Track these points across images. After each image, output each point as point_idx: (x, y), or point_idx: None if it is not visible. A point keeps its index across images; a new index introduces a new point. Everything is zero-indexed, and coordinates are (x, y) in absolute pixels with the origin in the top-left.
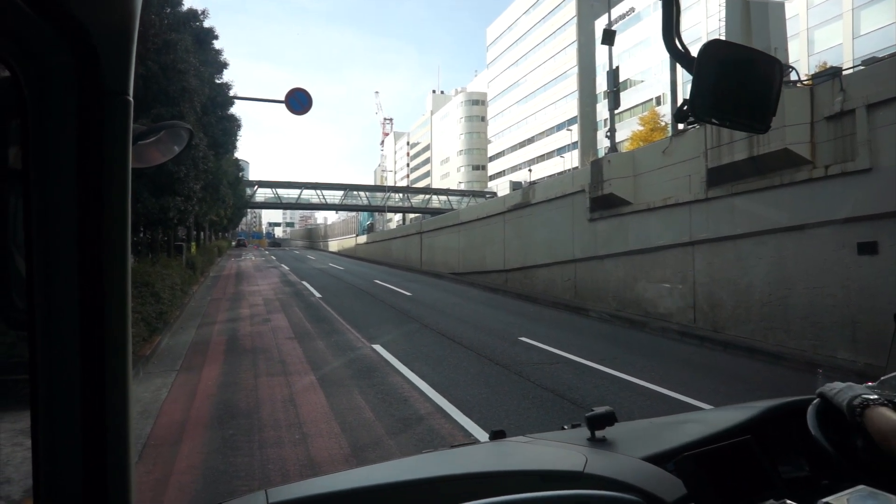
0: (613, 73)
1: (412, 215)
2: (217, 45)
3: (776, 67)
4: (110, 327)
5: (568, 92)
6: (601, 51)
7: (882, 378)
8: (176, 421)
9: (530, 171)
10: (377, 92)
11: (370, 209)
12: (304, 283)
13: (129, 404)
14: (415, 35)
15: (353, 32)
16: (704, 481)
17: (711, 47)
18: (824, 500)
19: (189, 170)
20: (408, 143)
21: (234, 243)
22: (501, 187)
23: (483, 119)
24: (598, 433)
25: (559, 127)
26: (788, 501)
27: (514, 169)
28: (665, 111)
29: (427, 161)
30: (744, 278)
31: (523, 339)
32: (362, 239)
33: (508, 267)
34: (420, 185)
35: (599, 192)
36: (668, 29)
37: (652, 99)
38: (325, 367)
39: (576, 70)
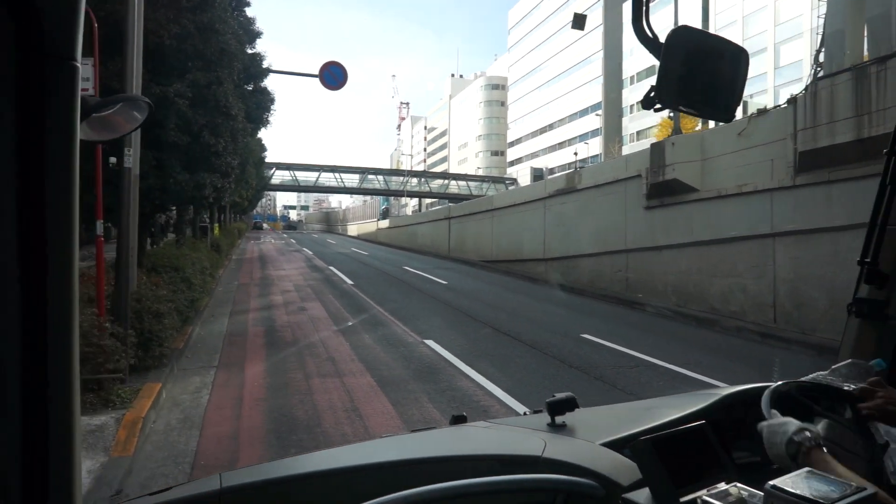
0: None
1: (429, 200)
2: (249, 12)
3: (742, 57)
4: (54, 328)
5: (592, 77)
6: (628, 34)
7: (833, 366)
8: (225, 434)
9: (573, 156)
10: (394, 76)
11: (391, 193)
12: (332, 268)
13: (75, 403)
14: (431, 18)
15: (369, 14)
16: (659, 465)
17: (678, 34)
18: (772, 481)
19: (227, 143)
20: (425, 128)
21: (251, 226)
22: (521, 174)
23: (503, 104)
24: (558, 419)
25: (582, 113)
26: (739, 484)
27: (533, 155)
28: None
29: (444, 146)
30: (841, 275)
31: (586, 336)
32: (384, 223)
33: (548, 256)
34: (437, 169)
35: (660, 177)
36: (638, 14)
37: None
38: (381, 366)
39: (601, 54)
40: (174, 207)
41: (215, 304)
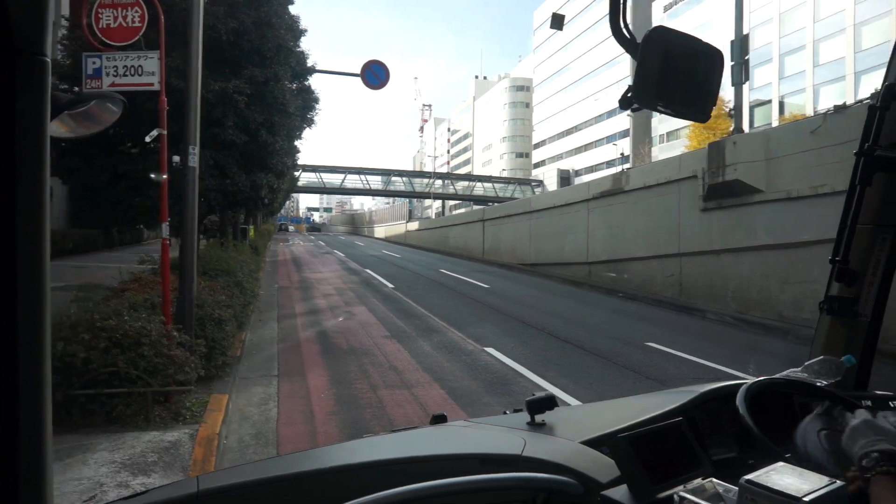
0: (740, 42)
1: (452, 202)
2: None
3: (718, 59)
4: (26, 331)
5: (620, 77)
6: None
7: (806, 363)
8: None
9: (599, 158)
10: (416, 78)
11: (418, 195)
12: (368, 270)
13: (46, 410)
14: (453, 20)
15: (390, 16)
16: (636, 462)
17: (655, 34)
18: (746, 476)
19: (283, 141)
20: (448, 130)
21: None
22: (548, 175)
23: (528, 105)
24: (538, 417)
25: (609, 114)
26: (714, 479)
27: (559, 157)
28: (728, 97)
29: (468, 148)
30: None
31: (652, 344)
32: (413, 225)
33: (593, 259)
34: (461, 171)
35: (720, 178)
36: (615, 14)
37: None
38: (447, 376)
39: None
40: (226, 210)
41: (260, 308)
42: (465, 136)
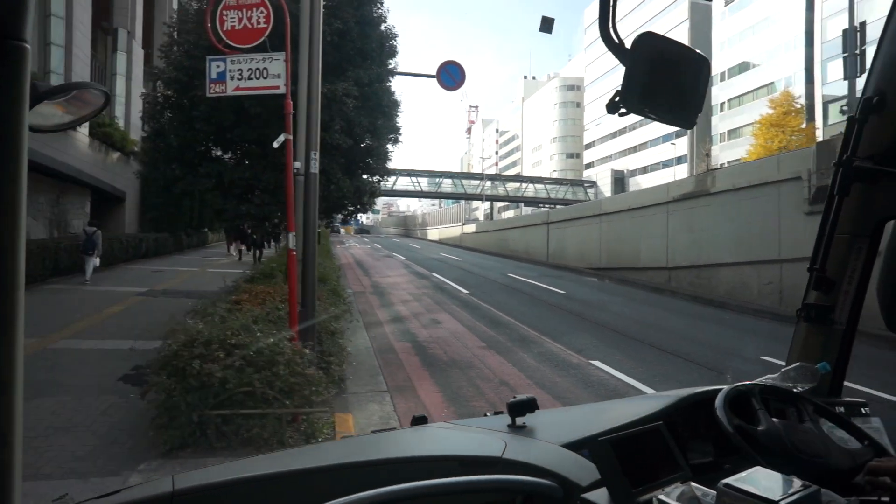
0: (854, 32)
1: (500, 204)
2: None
3: (704, 66)
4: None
5: None
6: (718, 28)
7: (782, 369)
8: None
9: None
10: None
11: (469, 197)
12: (436, 275)
13: (16, 407)
14: (497, 19)
15: (433, 17)
16: (616, 466)
17: (644, 40)
18: (724, 480)
19: (382, 143)
20: (497, 131)
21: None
22: (601, 176)
23: (578, 105)
24: (519, 420)
25: None
26: (693, 483)
27: (609, 158)
28: (799, 92)
29: (517, 149)
30: None
31: (770, 359)
32: (469, 228)
33: (673, 264)
34: (509, 173)
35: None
36: (605, 19)
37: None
38: (565, 393)
39: None
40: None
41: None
42: (514, 137)
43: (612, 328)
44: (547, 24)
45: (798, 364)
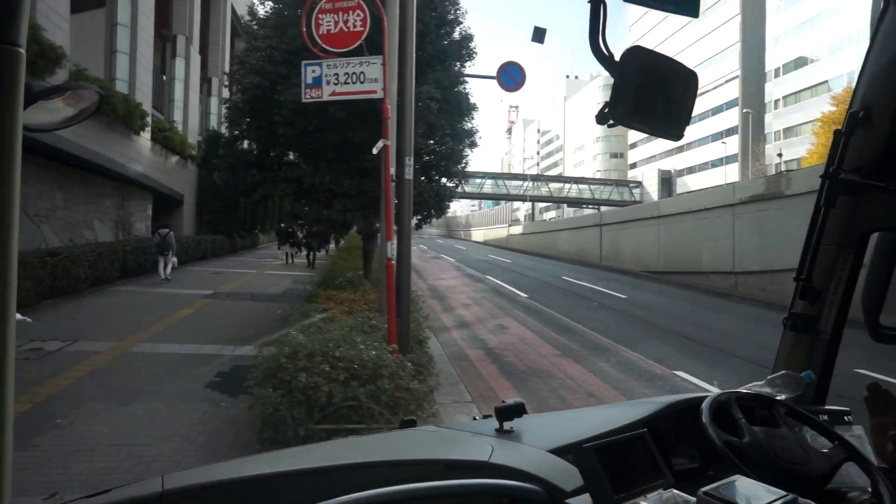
0: None
1: (542, 205)
2: None
3: (692, 79)
4: None
5: (727, 72)
6: (773, 22)
7: (768, 377)
8: None
9: (703, 157)
10: None
11: (516, 198)
12: (490, 277)
13: (8, 406)
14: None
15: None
16: (599, 472)
17: (633, 53)
18: (704, 488)
19: (461, 146)
20: (538, 131)
21: None
22: (647, 176)
23: None
24: (507, 424)
25: (715, 110)
26: (675, 491)
27: (655, 157)
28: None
29: (559, 149)
30: None
31: (862, 371)
32: (516, 229)
33: (741, 269)
34: (550, 173)
35: None
36: (595, 31)
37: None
38: None
39: (738, 47)
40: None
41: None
42: (556, 138)
43: (685, 336)
44: (539, 35)
45: (783, 372)
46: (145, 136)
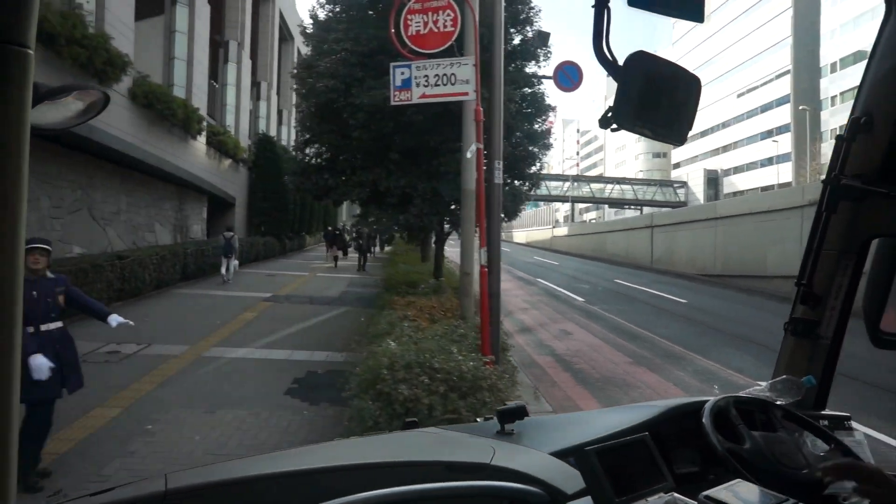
0: None
1: (581, 205)
2: None
3: (695, 84)
4: None
5: (777, 68)
6: (828, 15)
7: (769, 382)
8: None
9: (751, 155)
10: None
11: (558, 199)
12: (541, 280)
13: (13, 403)
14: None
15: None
16: (601, 475)
17: (637, 58)
18: (705, 492)
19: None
20: (577, 131)
21: None
22: (692, 176)
23: None
24: (508, 426)
25: (764, 108)
26: (676, 494)
27: (699, 157)
28: None
29: (599, 149)
30: None
31: None
32: (561, 231)
33: None
34: (591, 174)
35: None
36: (598, 37)
37: None
38: None
39: (789, 41)
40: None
41: None
42: (595, 138)
43: (759, 343)
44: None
45: (784, 377)
46: (201, 141)
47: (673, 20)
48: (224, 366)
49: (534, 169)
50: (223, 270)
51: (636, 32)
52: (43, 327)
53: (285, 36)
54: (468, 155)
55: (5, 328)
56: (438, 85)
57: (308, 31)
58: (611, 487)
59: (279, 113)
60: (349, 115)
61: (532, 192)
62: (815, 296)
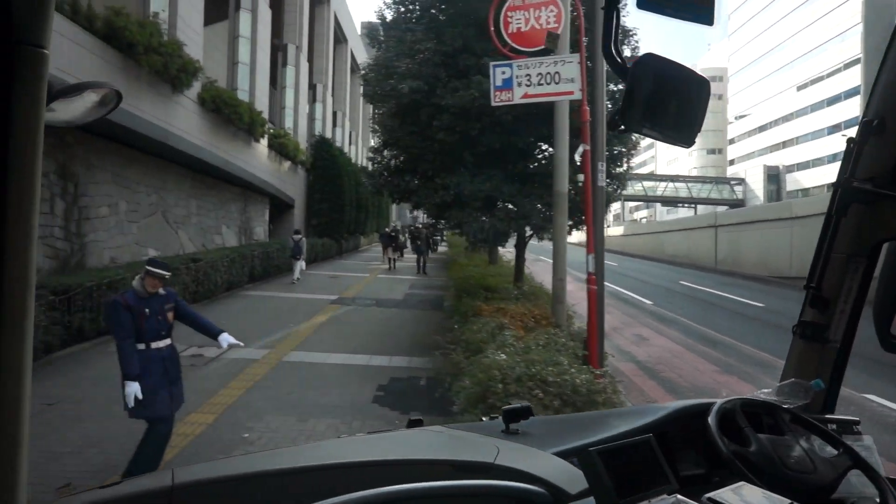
0: None
1: (631, 204)
2: None
3: (704, 87)
4: (8, 318)
5: (845, 57)
6: None
7: (777, 385)
8: None
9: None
10: None
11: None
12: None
13: (24, 400)
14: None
15: None
16: (604, 475)
17: (646, 61)
18: (708, 494)
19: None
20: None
21: None
22: (750, 173)
23: (720, 97)
24: (513, 426)
25: (830, 101)
26: (679, 496)
27: (758, 153)
28: None
29: (650, 146)
30: None
31: None
32: (615, 230)
33: None
34: (641, 172)
35: None
36: (608, 39)
37: None
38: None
39: (860, 28)
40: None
41: None
42: None
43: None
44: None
45: (792, 380)
46: (263, 143)
47: (728, 12)
48: (306, 371)
49: (620, 169)
50: (296, 273)
51: (685, 27)
52: (153, 345)
53: (339, 38)
54: (577, 158)
55: (17, 324)
56: (542, 84)
57: (373, 32)
58: (613, 488)
59: (333, 115)
60: (433, 116)
61: (618, 193)
62: (825, 299)
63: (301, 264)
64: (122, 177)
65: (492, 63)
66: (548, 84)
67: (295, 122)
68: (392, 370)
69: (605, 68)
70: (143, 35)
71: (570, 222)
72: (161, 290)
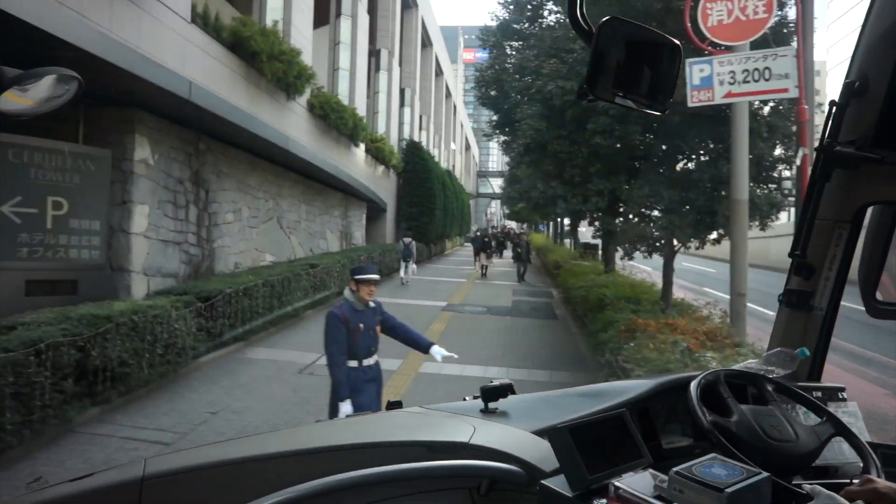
0: None
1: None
2: None
3: (676, 51)
4: None
5: None
6: None
7: (763, 354)
8: None
9: None
10: None
11: None
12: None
13: None
14: None
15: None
16: (573, 452)
17: (610, 25)
18: (675, 468)
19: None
20: None
21: None
22: None
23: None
24: (492, 405)
25: None
26: (651, 470)
27: None
28: None
29: None
30: None
31: None
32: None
33: None
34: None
35: None
36: (573, 3)
37: None
38: None
39: None
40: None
41: None
42: None
43: None
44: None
45: (778, 349)
46: (362, 148)
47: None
48: (445, 384)
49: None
50: (402, 273)
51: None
52: (365, 362)
53: (425, 42)
54: (797, 162)
55: None
56: (748, 81)
57: (482, 34)
58: (585, 464)
59: (420, 119)
60: (582, 119)
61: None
62: (810, 266)
63: (412, 267)
64: (244, 183)
65: (688, 60)
66: (755, 81)
67: (387, 126)
68: (537, 385)
69: (814, 59)
70: (266, 43)
71: (713, 235)
72: (371, 303)
